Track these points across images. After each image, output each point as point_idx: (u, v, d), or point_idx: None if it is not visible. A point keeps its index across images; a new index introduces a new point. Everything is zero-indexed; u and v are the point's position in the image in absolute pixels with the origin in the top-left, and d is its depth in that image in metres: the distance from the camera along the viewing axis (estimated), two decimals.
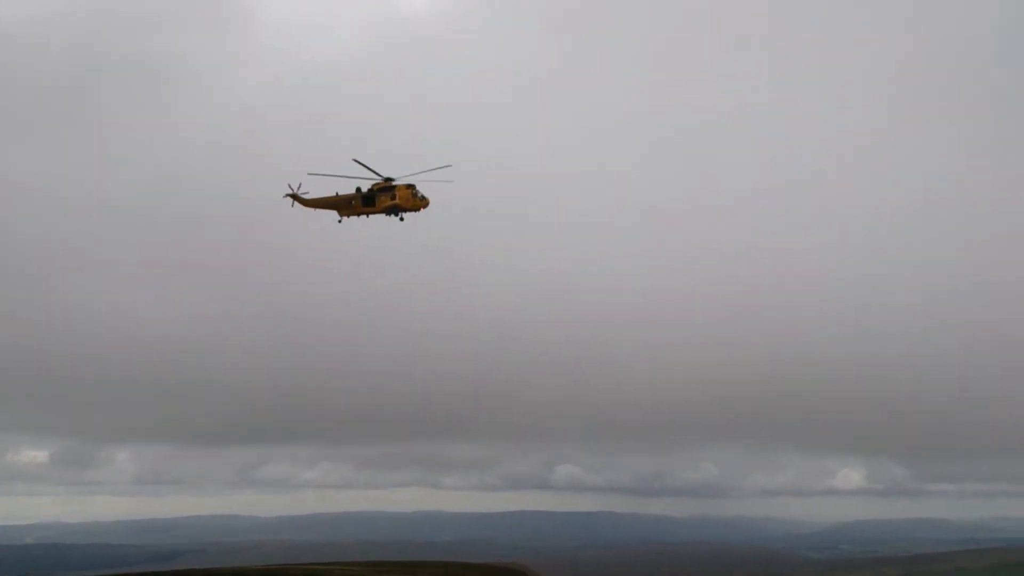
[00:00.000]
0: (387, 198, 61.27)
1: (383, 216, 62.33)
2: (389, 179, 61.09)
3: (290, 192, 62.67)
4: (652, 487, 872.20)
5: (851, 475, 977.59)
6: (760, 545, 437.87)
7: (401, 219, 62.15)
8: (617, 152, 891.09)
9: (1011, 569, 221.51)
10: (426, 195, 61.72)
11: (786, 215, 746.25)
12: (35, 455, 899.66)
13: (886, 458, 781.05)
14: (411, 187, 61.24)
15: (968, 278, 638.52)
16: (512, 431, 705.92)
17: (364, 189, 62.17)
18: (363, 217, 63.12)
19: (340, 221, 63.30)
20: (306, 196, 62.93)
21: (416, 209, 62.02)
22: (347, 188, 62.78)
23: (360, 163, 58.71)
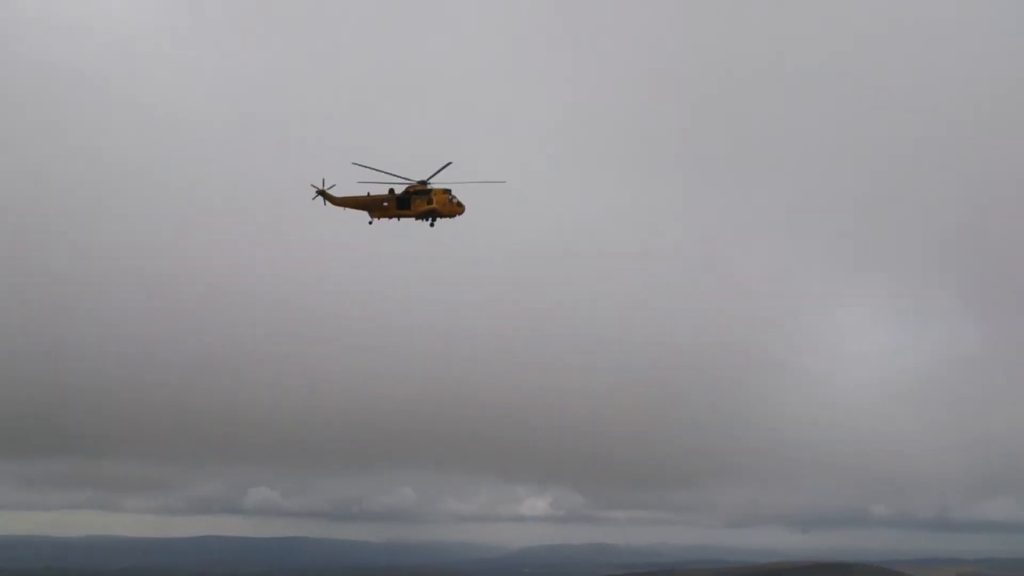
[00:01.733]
0: (423, 202, 58.75)
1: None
2: (423, 182, 58.31)
3: (319, 189, 58.25)
4: (349, 511, 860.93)
5: (536, 502, 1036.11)
6: (452, 570, 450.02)
7: (432, 224, 59.87)
8: None
9: None
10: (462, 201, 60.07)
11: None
12: None
13: (568, 486, 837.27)
14: (447, 191, 59.05)
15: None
16: (200, 449, 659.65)
17: (398, 191, 59.18)
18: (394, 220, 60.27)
19: (371, 222, 60.04)
20: (336, 195, 58.98)
21: (452, 215, 59.92)
22: (373, 187, 59.18)
23: (362, 165, 54.92)
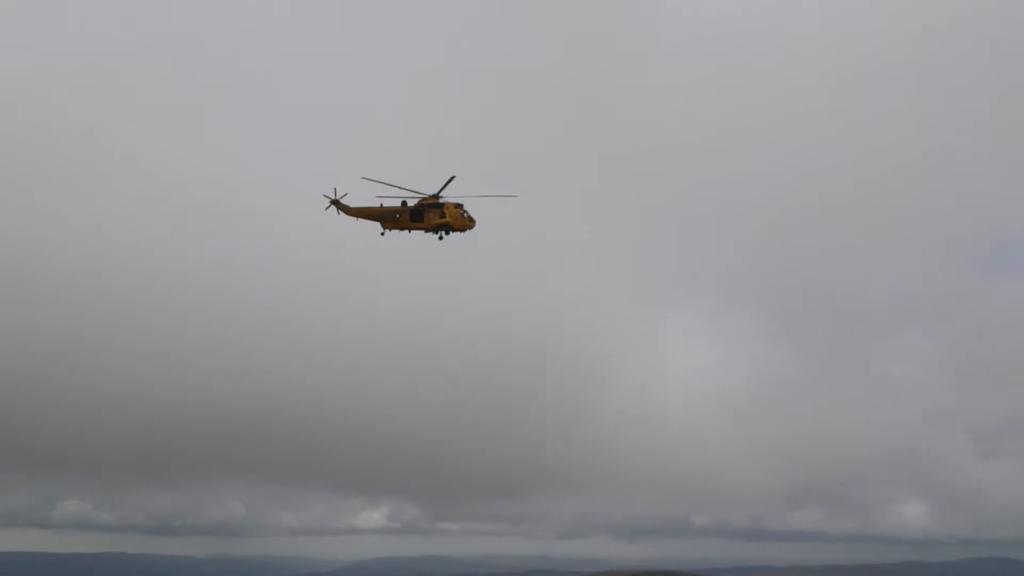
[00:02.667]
0: (436, 215, 58.03)
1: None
2: (435, 196, 57.34)
3: (332, 199, 57.34)
4: (171, 526, 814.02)
5: (372, 514, 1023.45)
6: None
7: (441, 238, 59.29)
8: None
9: None
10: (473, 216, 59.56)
11: None
12: None
13: (404, 498, 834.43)
14: (459, 206, 58.42)
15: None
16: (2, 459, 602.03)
17: (411, 203, 58.31)
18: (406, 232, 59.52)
19: (383, 234, 59.00)
20: (349, 204, 58.06)
21: (464, 229, 59.25)
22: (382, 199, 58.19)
23: (372, 179, 54.51)
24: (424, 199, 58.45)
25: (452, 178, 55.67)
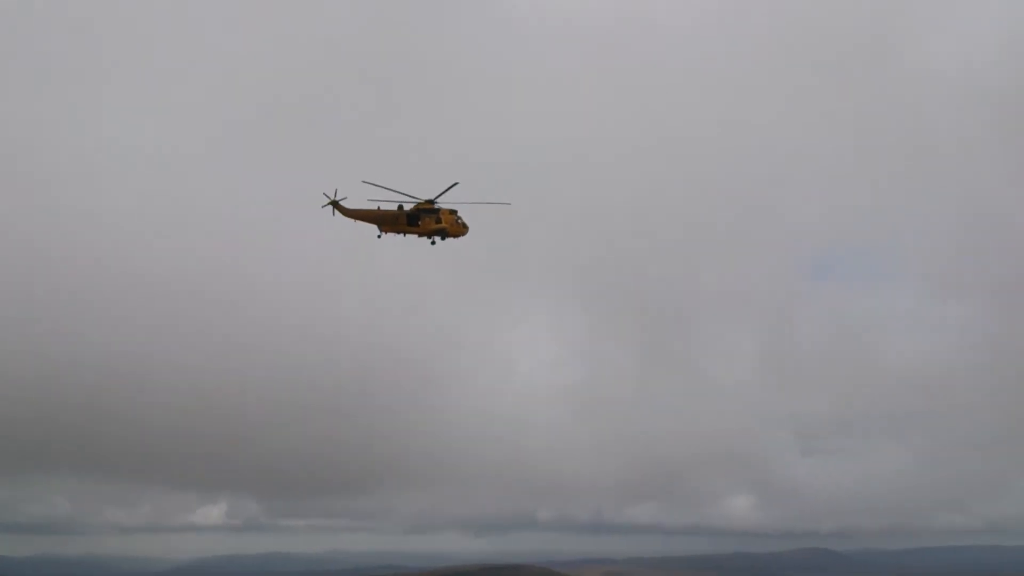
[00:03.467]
0: (432, 220, 59.68)
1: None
2: (430, 201, 58.68)
3: (330, 200, 57.45)
4: None
5: (211, 511, 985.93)
6: None
7: (433, 243, 60.93)
8: None
9: None
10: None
11: None
12: None
13: (243, 493, 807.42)
14: (454, 212, 60.06)
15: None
16: None
17: (406, 208, 59.52)
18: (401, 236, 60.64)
19: (380, 236, 60.26)
20: (347, 207, 58.31)
21: (457, 235, 61.04)
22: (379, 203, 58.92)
23: (372, 183, 54.75)
24: (420, 204, 59.45)
25: (455, 184, 56.21)
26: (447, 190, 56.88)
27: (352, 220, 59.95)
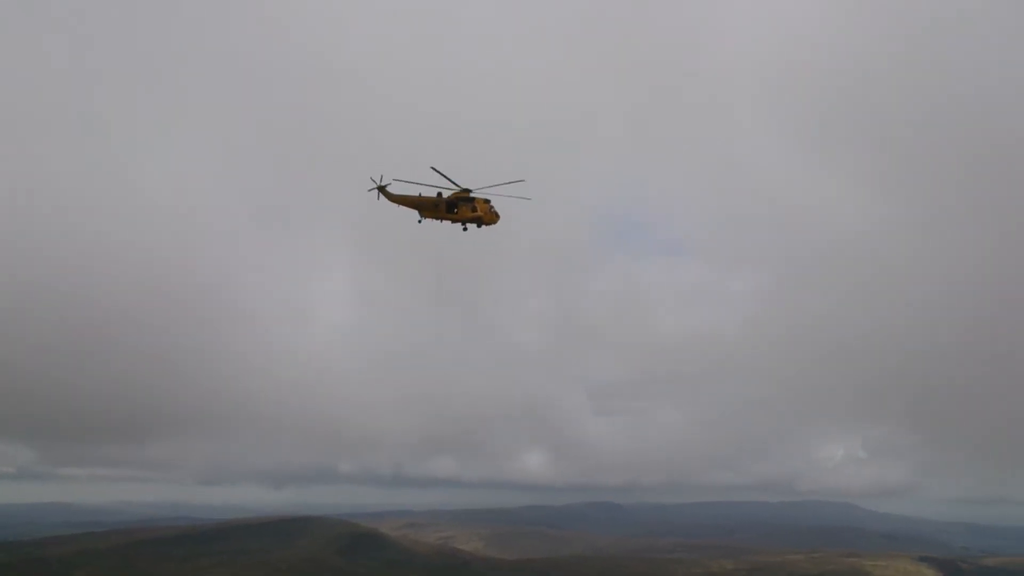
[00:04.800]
0: (469, 209, 63.30)
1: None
2: (467, 190, 62.01)
3: (376, 185, 61.06)
4: None
5: None
6: None
7: (465, 229, 64.17)
8: None
9: (128, 549, 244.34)
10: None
11: None
12: None
13: (16, 439, 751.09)
14: (488, 201, 63.85)
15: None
16: None
17: (445, 196, 63.02)
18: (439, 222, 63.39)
19: (420, 221, 63.37)
20: (392, 192, 61.52)
21: (491, 223, 64.67)
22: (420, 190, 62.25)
23: (438, 171, 57.79)
24: (457, 193, 62.89)
25: (520, 180, 59.61)
26: (505, 184, 60.44)
27: (395, 205, 63.39)
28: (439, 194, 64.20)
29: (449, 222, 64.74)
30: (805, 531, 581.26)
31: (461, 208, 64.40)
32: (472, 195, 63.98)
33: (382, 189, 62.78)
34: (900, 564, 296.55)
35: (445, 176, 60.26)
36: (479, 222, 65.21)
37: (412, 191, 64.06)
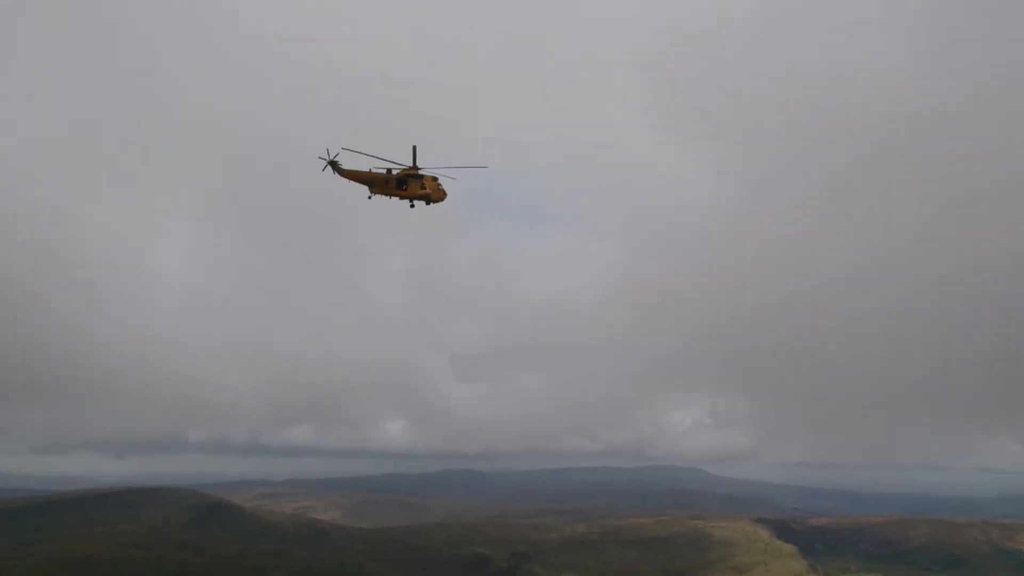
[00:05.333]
0: (418, 186, 63.84)
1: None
2: (416, 167, 62.62)
3: (328, 159, 61.14)
4: None
5: None
6: None
7: (412, 206, 64.50)
8: None
9: None
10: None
11: None
12: None
13: None
14: (436, 179, 64.39)
15: None
16: None
17: (394, 172, 63.61)
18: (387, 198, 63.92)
19: (370, 197, 63.91)
20: (344, 167, 61.92)
21: (439, 200, 65.13)
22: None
23: (351, 150, 59.09)
24: (406, 170, 63.42)
25: (414, 147, 61.21)
26: (415, 155, 62.29)
27: (347, 180, 64.19)
28: (389, 171, 65.00)
29: (398, 198, 65.52)
30: (655, 495, 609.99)
31: (411, 185, 65.24)
32: (421, 172, 64.87)
33: (333, 164, 63.54)
34: (739, 525, 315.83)
35: (363, 153, 61.76)
36: (428, 199, 66.29)
37: (363, 166, 65.11)
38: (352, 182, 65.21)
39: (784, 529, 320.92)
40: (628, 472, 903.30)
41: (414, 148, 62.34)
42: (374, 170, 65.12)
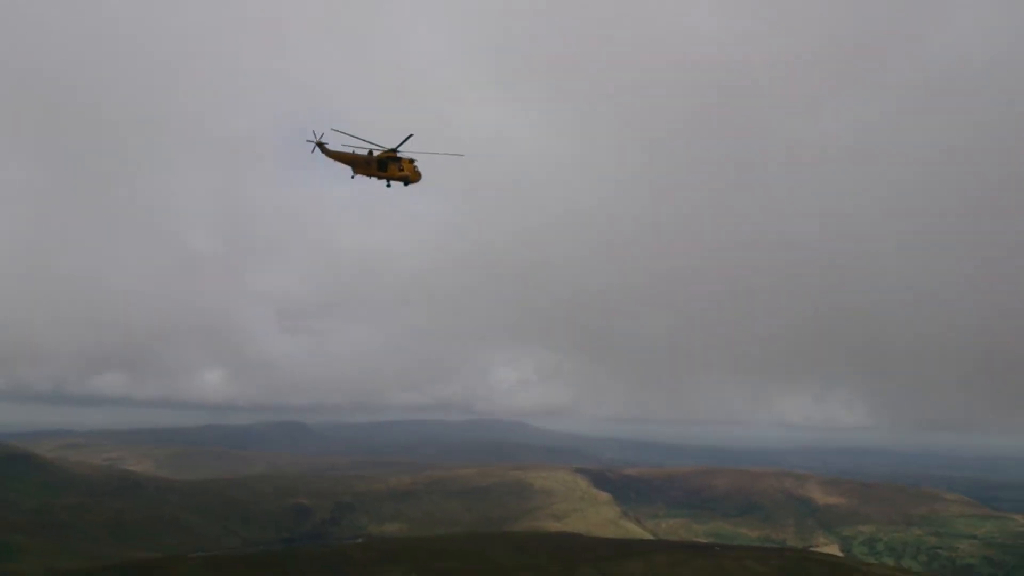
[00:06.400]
0: (396, 168, 66.59)
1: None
2: (394, 150, 65.13)
3: (315, 140, 63.25)
4: None
5: None
6: None
7: (388, 185, 67.47)
8: None
9: None
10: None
11: None
12: None
13: None
14: (413, 161, 67.29)
15: None
16: None
17: (375, 154, 65.99)
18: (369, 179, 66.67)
19: (352, 177, 66.37)
20: (330, 149, 64.23)
21: (415, 181, 67.97)
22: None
23: (340, 131, 61.17)
24: (386, 152, 65.64)
25: (409, 136, 62.67)
26: (404, 141, 63.56)
27: (332, 161, 66.10)
28: (370, 152, 67.70)
29: (377, 178, 68.43)
30: (480, 447, 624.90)
31: (390, 167, 68.00)
32: (399, 155, 67.70)
33: (321, 146, 65.88)
34: (558, 475, 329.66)
35: (351, 135, 63.85)
36: (405, 180, 69.15)
37: (346, 148, 67.36)
38: (337, 163, 68.28)
39: (600, 479, 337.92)
40: (455, 426, 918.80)
41: (408, 136, 65.06)
42: (356, 151, 67.70)
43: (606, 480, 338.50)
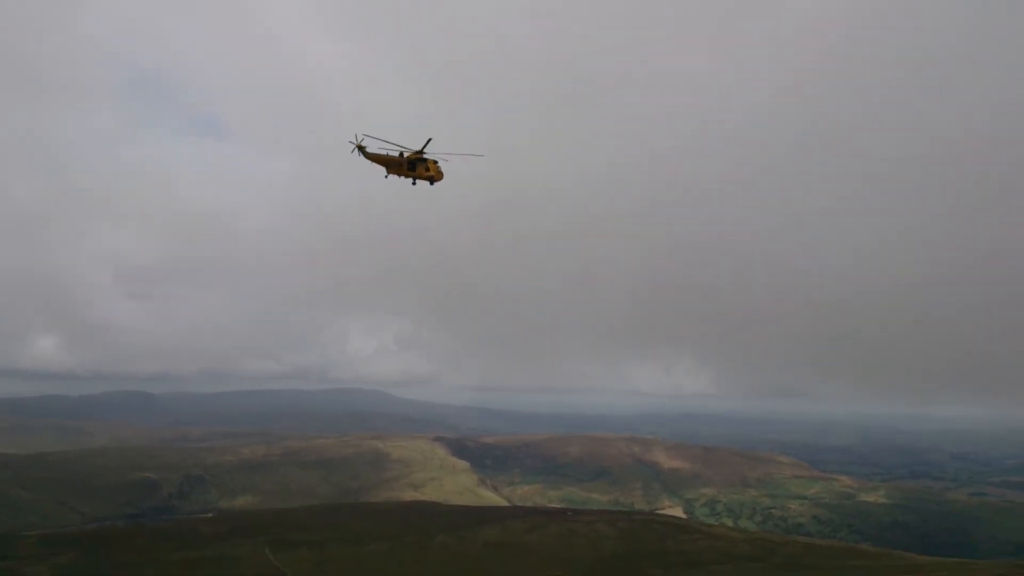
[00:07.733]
0: (424, 169, 71.03)
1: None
2: (421, 152, 69.45)
3: (356, 142, 67.13)
4: None
5: None
6: None
7: (414, 183, 72.14)
8: None
9: None
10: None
11: None
12: None
13: None
14: (437, 162, 71.71)
15: None
16: None
17: (405, 155, 70.12)
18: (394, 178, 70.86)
19: (387, 177, 70.89)
20: (368, 150, 68.25)
21: (438, 180, 72.46)
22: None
23: (372, 136, 65.57)
24: (414, 153, 69.50)
25: (429, 140, 66.89)
26: (426, 144, 67.46)
27: (370, 162, 70.04)
28: (401, 154, 71.64)
29: (406, 177, 72.19)
30: (338, 417, 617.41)
31: (419, 167, 71.68)
32: (425, 156, 71.49)
33: (361, 148, 69.40)
34: (417, 444, 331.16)
35: (381, 140, 67.50)
36: (431, 180, 73.17)
37: (381, 149, 71.13)
38: (373, 163, 72.48)
39: (459, 447, 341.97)
40: (312, 395, 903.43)
41: (428, 140, 69.15)
42: (389, 153, 72.09)
43: (464, 449, 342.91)
